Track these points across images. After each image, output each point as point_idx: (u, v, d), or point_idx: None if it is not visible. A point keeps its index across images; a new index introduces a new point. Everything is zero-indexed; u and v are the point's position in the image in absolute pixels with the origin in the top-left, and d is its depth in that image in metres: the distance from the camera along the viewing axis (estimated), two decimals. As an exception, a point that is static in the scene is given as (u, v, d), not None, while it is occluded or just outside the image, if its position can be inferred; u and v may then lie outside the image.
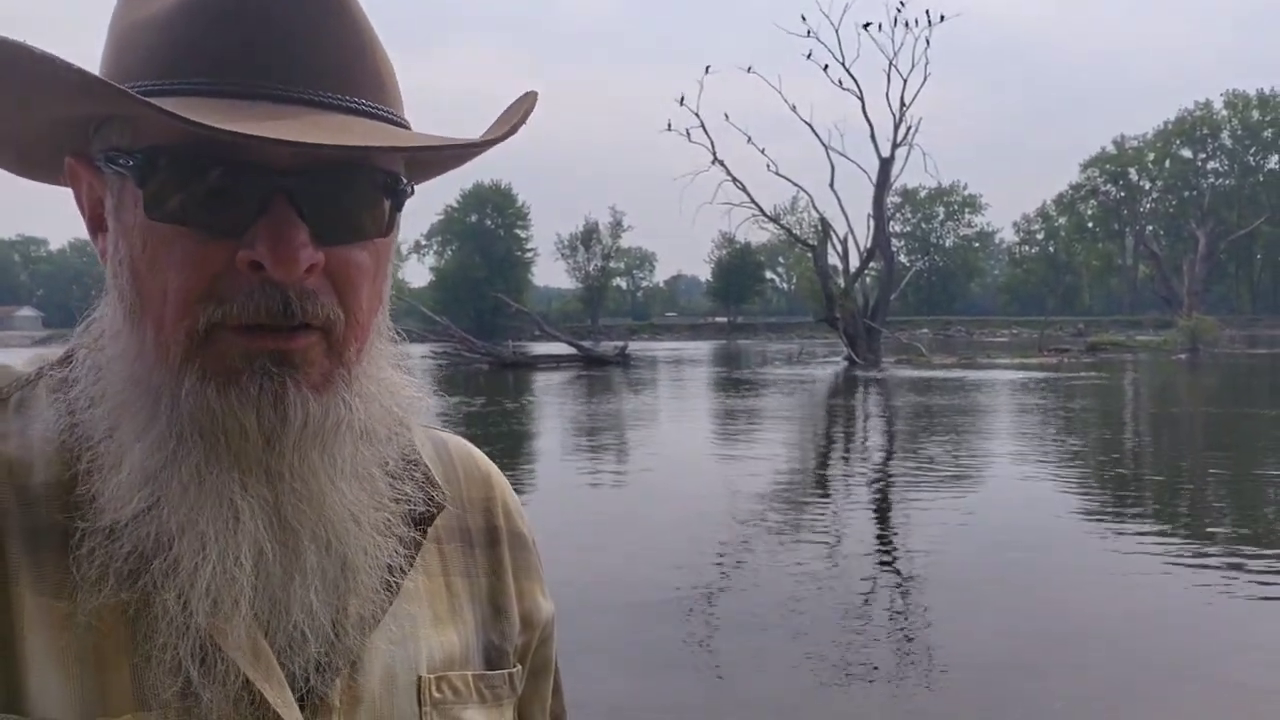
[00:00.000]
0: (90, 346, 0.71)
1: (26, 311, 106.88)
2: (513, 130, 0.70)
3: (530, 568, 0.89)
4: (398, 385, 0.74)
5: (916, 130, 38.16)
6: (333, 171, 0.64)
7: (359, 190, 0.66)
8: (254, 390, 0.64)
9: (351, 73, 0.66)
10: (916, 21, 38.06)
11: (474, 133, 0.71)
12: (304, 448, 0.66)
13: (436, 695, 0.76)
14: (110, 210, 0.68)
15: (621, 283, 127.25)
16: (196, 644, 0.65)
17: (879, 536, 8.18)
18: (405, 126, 0.69)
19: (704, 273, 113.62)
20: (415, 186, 0.72)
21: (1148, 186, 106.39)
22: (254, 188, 0.62)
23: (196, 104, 0.61)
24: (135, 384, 0.66)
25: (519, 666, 0.85)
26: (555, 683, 0.94)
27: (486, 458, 0.91)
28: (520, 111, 0.72)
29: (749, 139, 37.49)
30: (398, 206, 0.69)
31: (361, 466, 0.70)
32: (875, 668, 5.00)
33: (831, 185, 38.81)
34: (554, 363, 33.87)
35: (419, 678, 0.75)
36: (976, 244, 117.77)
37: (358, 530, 0.70)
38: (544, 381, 27.16)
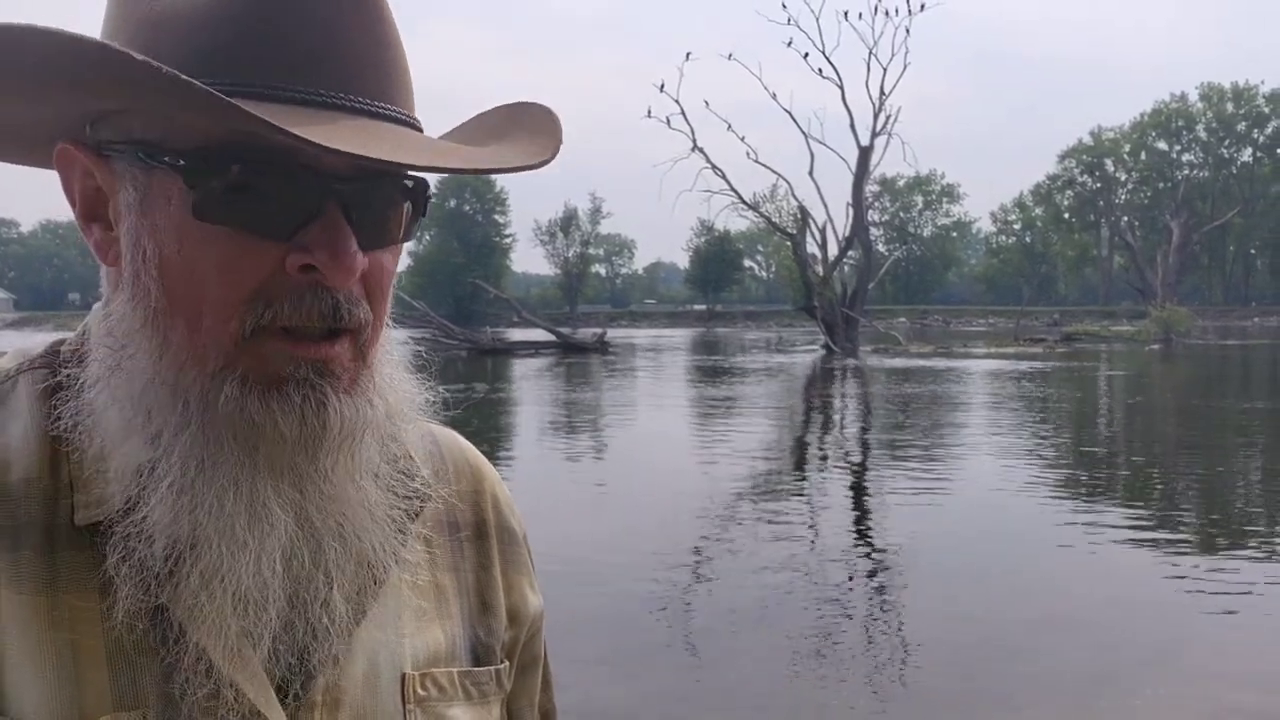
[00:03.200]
0: (99, 345, 0.69)
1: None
2: (556, 153, 0.70)
3: (519, 562, 0.87)
4: (400, 380, 0.74)
5: (896, 119, 38.13)
6: (375, 179, 0.65)
7: (390, 196, 0.67)
8: (298, 399, 0.64)
9: (390, 80, 0.66)
10: (896, 11, 37.91)
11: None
12: (338, 451, 0.67)
13: (421, 692, 0.75)
14: (130, 205, 0.65)
15: (600, 269, 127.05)
16: (218, 644, 0.65)
17: (856, 526, 8.21)
18: (422, 129, 0.70)
19: (683, 260, 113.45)
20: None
21: (1123, 178, 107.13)
22: (309, 193, 0.62)
23: (251, 106, 0.60)
24: (161, 385, 0.65)
25: (506, 663, 0.83)
26: (544, 678, 0.92)
27: (477, 451, 0.90)
28: (555, 131, 0.71)
29: (729, 126, 37.41)
30: (422, 210, 0.70)
31: (374, 464, 0.71)
32: (852, 656, 5.02)
33: (811, 174, 38.83)
34: (532, 349, 33.76)
35: (403, 675, 0.74)
36: (954, 233, 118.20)
37: (374, 526, 0.70)
38: (522, 368, 27.09)
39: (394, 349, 0.75)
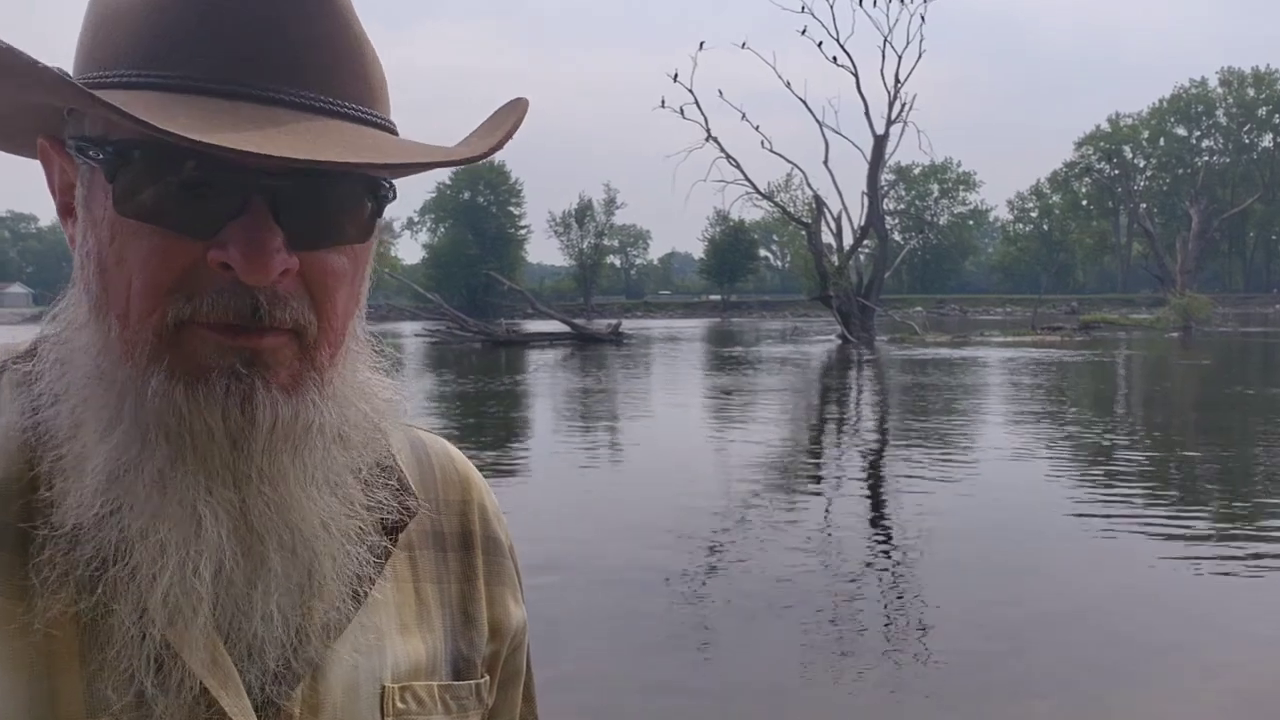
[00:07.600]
0: (55, 340, 0.68)
1: (16, 289, 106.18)
2: (503, 142, 0.68)
3: (504, 573, 0.86)
4: (374, 388, 0.73)
5: (911, 107, 37.95)
6: (313, 175, 0.62)
7: (339, 194, 0.64)
8: (221, 390, 0.62)
9: (338, 74, 0.64)
10: (912, -3, 37.74)
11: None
12: (273, 450, 0.64)
13: (400, 706, 0.74)
14: (80, 199, 0.66)
15: (615, 260, 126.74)
16: (152, 653, 0.63)
17: (870, 517, 8.20)
18: (391, 129, 0.68)
19: (698, 250, 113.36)
20: (397, 187, 0.70)
21: (1142, 164, 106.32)
22: (231, 189, 0.61)
23: (174, 100, 0.59)
24: (99, 380, 0.64)
25: (487, 677, 0.82)
26: (527, 691, 0.91)
27: (466, 459, 0.88)
28: (510, 121, 0.70)
29: (743, 116, 37.30)
30: (379, 211, 0.67)
31: (334, 472, 0.68)
32: (865, 648, 5.01)
33: (826, 162, 38.73)
34: (547, 341, 33.82)
35: (383, 688, 0.73)
36: (971, 222, 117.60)
37: (327, 537, 0.68)
38: (537, 360, 27.13)
39: (365, 353, 0.72)
